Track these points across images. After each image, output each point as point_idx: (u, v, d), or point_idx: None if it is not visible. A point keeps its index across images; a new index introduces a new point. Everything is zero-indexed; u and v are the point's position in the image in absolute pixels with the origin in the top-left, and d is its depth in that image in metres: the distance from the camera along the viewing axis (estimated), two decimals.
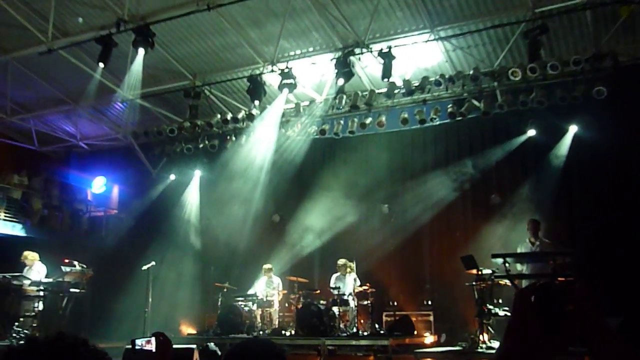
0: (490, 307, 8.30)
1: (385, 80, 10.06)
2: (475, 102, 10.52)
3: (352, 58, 10.08)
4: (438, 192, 11.68)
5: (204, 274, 12.58)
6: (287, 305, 11.11)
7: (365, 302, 10.39)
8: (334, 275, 11.16)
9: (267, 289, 11.27)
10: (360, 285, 10.53)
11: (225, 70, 11.64)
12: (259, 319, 10.73)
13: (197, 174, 13.83)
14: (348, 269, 11.05)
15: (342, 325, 10.06)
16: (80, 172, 14.65)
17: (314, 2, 9.45)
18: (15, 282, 9.61)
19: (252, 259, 12.24)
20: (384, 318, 10.91)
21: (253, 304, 10.88)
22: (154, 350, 2.34)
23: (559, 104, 9.65)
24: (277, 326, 10.65)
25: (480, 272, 8.51)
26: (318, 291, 10.95)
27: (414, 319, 10.50)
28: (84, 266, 10.10)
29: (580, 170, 10.57)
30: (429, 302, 11.11)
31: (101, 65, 10.04)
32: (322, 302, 10.33)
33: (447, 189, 11.63)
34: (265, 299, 10.84)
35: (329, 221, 11.87)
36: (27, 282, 9.72)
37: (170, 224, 13.30)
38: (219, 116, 11.87)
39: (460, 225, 11.52)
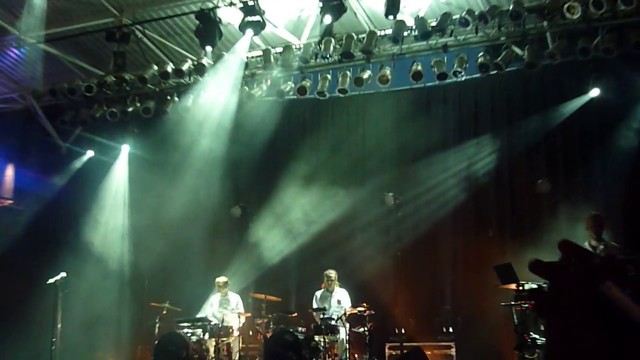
0: (535, 336, 8.31)
1: (391, 17, 10.09)
2: (517, 50, 10.51)
3: None
4: (463, 175, 11.82)
5: (135, 291, 12.70)
6: (251, 333, 11.24)
7: (361, 329, 10.61)
8: (318, 292, 11.43)
9: (223, 311, 11.45)
10: (355, 306, 10.77)
11: (165, 3, 11.51)
12: (212, 353, 10.81)
13: (125, 150, 13.92)
14: (337, 284, 11.31)
15: None
16: None
17: None
18: None
19: (203, 270, 12.36)
20: (387, 351, 11.05)
21: (204, 332, 11.02)
22: None
23: (633, 53, 9.61)
24: None
25: (521, 288, 8.54)
26: (295, 314, 11.11)
27: (428, 352, 10.42)
28: None
29: None
30: (450, 329, 11.22)
31: None
32: (300, 329, 10.56)
33: (475, 171, 11.77)
34: (220, 325, 10.94)
35: (311, 216, 12.04)
36: None
37: (87, 220, 13.38)
38: (155, 68, 11.82)
39: (494, 221, 11.64)
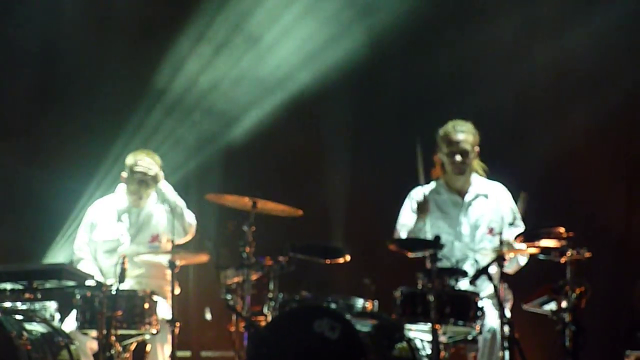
0: None
1: None
2: None
3: None
4: None
5: None
6: (210, 315, 8.49)
7: (550, 306, 7.64)
8: (417, 193, 8.49)
9: (133, 246, 8.80)
10: (529, 235, 7.62)
11: None
12: None
13: None
14: (478, 167, 8.54)
15: None
16: None
17: None
18: None
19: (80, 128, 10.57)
20: None
21: (63, 311, 8.13)
22: None
23: None
24: None
25: None
26: (345, 256, 8.10)
27: None
28: None
29: None
30: None
31: None
32: (362, 302, 7.69)
33: None
34: (117, 288, 7.81)
35: None
36: None
37: None
38: None
39: None
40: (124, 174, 8.62)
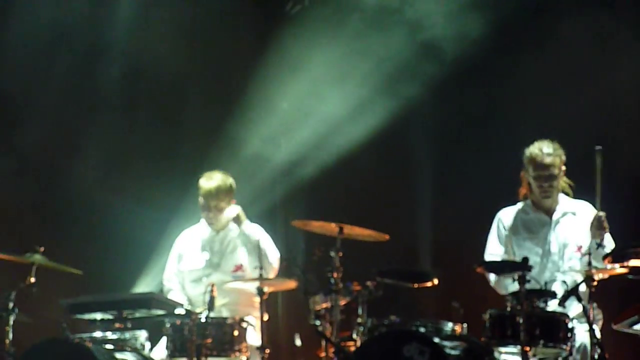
0: None
1: None
2: None
3: None
4: None
5: None
6: (300, 342, 8.56)
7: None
8: (507, 214, 8.74)
9: (217, 274, 8.75)
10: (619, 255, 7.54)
11: None
12: None
13: None
14: (563, 185, 8.42)
15: None
16: None
17: None
18: None
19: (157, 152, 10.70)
20: None
21: (151, 336, 8.20)
22: None
23: None
24: None
25: None
26: (433, 280, 8.31)
27: None
28: None
29: None
30: None
31: None
32: (450, 326, 7.64)
33: None
34: (207, 317, 7.91)
35: None
36: None
37: None
38: None
39: None
40: (201, 200, 8.75)
